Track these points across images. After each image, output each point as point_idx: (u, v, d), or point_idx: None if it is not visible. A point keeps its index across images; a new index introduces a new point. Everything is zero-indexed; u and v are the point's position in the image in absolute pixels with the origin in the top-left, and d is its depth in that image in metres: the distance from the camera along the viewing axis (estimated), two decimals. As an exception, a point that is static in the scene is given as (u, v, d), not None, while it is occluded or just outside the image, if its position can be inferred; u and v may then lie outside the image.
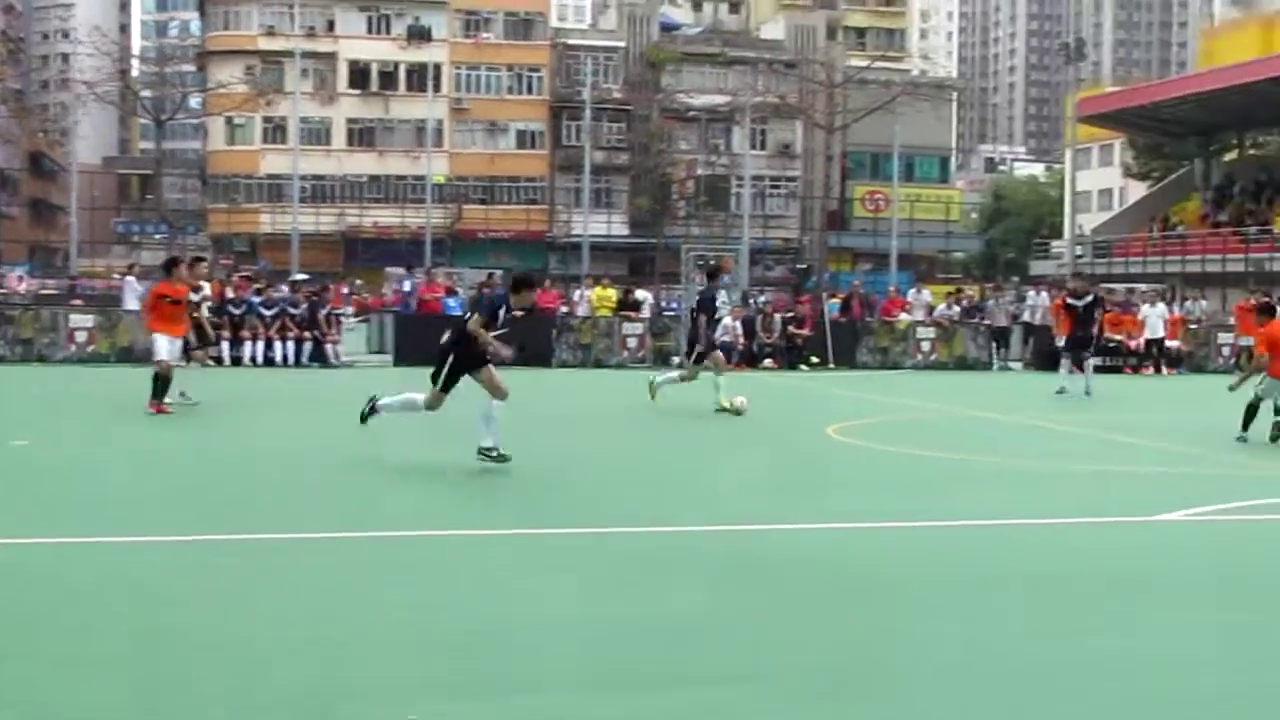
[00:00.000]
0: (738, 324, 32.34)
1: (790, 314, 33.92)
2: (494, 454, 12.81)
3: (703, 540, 9.79)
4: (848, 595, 8.08)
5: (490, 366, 13.02)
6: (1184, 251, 61.19)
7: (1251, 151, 77.52)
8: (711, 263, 23.16)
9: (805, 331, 32.89)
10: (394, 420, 13.87)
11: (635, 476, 13.07)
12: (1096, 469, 14.32)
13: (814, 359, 32.51)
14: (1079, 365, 26.55)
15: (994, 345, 34.95)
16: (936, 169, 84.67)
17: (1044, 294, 38.92)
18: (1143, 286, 44.70)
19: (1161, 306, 35.43)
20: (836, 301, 37.58)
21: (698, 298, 21.26)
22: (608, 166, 76.27)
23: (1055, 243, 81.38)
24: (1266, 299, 21.65)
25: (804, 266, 69.97)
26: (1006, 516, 11.12)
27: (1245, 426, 17.28)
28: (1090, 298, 26.89)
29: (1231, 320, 37.80)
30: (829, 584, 8.36)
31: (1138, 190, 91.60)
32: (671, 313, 37.17)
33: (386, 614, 7.31)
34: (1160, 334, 34.24)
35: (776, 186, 79.82)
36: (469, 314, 13.49)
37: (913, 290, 39.36)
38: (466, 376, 13.01)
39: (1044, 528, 10.76)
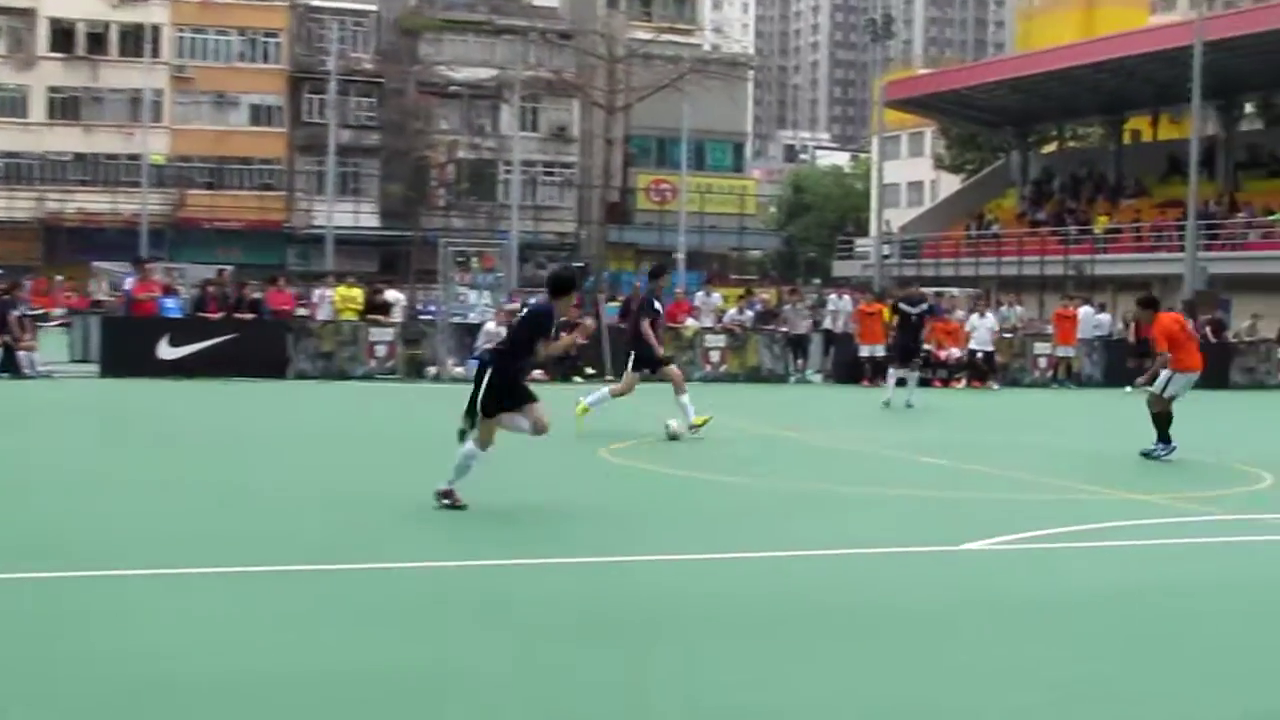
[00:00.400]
0: (503, 330, 32.23)
1: (563, 318, 33.88)
2: (446, 501, 12.25)
3: (445, 578, 9.69)
4: (609, 637, 8.07)
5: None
6: (999, 252, 63.10)
7: (1071, 143, 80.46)
8: (657, 262, 23.28)
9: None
10: (101, 434, 13.47)
11: (375, 505, 12.85)
12: (903, 494, 14.60)
13: (589, 369, 32.55)
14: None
15: (791, 355, 35.47)
16: (730, 156, 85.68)
17: (847, 298, 39.66)
18: (954, 291, 45.85)
19: (991, 316, 36.41)
20: (616, 305, 37.70)
21: (640, 300, 21.36)
22: (356, 148, 75.46)
23: (860, 241, 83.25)
24: (1147, 293, 22.85)
25: (581, 265, 70.11)
26: (797, 547, 11.23)
27: (1162, 438, 18.32)
28: (925, 305, 28.13)
29: (1049, 328, 38.95)
30: (587, 625, 8.34)
31: (950, 184, 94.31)
32: (427, 316, 36.88)
33: (53, 668, 7.07)
34: (989, 346, 35.17)
35: (550, 173, 79.91)
36: (518, 333, 12.91)
37: (701, 293, 39.70)
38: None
39: (837, 559, 10.92)
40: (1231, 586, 10.28)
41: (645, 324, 19.94)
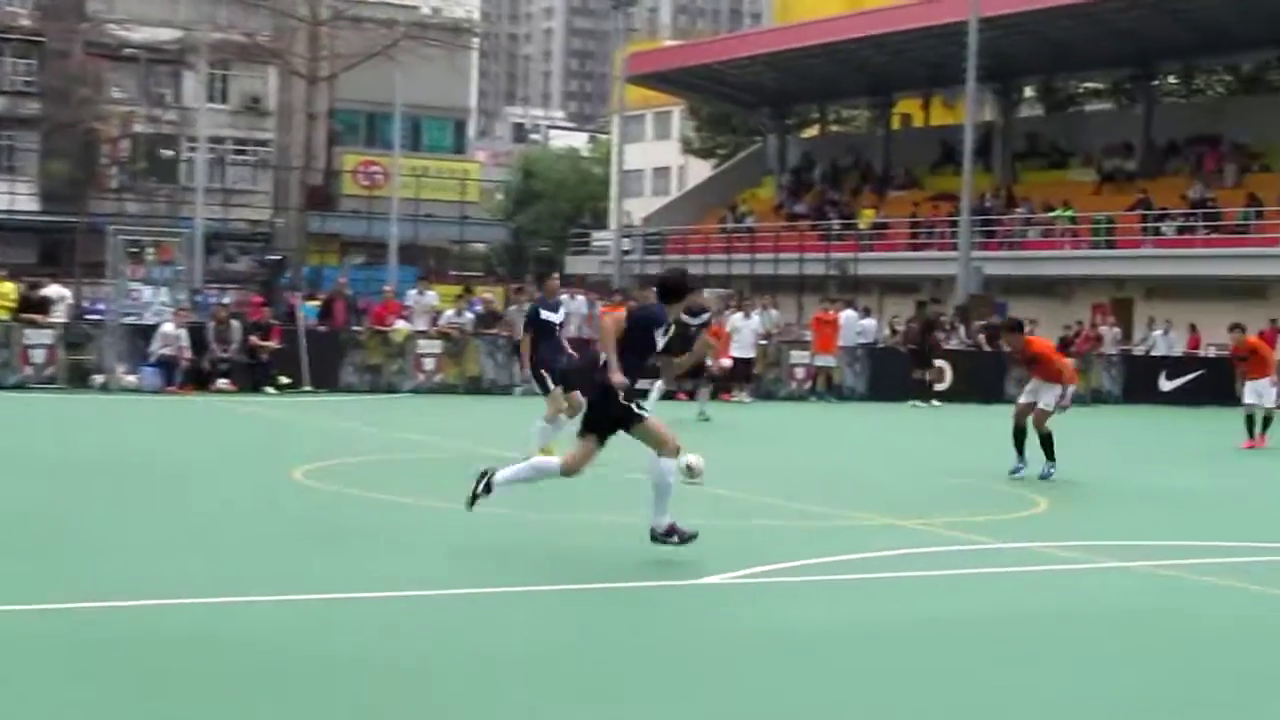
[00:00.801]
0: (183, 332, 31.76)
1: (254, 320, 33.53)
2: (673, 538, 12.37)
3: (62, 621, 9.43)
4: (261, 689, 8.01)
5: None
6: (753, 249, 63.74)
7: (834, 127, 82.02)
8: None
9: (273, 343, 32.58)
10: None
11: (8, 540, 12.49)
12: (638, 521, 14.66)
13: (284, 379, 32.25)
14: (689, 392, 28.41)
15: (517, 364, 35.46)
16: (450, 136, 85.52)
17: (581, 299, 39.81)
18: (705, 292, 46.37)
19: (757, 319, 36.85)
20: (315, 304, 37.34)
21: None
22: (10, 118, 73.81)
23: (598, 234, 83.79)
24: (1010, 318, 25.02)
25: (277, 258, 69.39)
26: (501, 583, 11.20)
27: (1050, 455, 20.25)
28: (705, 315, 29.09)
29: (807, 335, 39.53)
30: (242, 675, 8.25)
31: (700, 170, 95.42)
32: (94, 315, 36.12)
33: None
34: (751, 352, 35.57)
35: (242, 152, 78.90)
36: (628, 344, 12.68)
37: (414, 291, 39.49)
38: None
39: (550, 595, 10.98)
40: (983, 621, 10.59)
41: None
